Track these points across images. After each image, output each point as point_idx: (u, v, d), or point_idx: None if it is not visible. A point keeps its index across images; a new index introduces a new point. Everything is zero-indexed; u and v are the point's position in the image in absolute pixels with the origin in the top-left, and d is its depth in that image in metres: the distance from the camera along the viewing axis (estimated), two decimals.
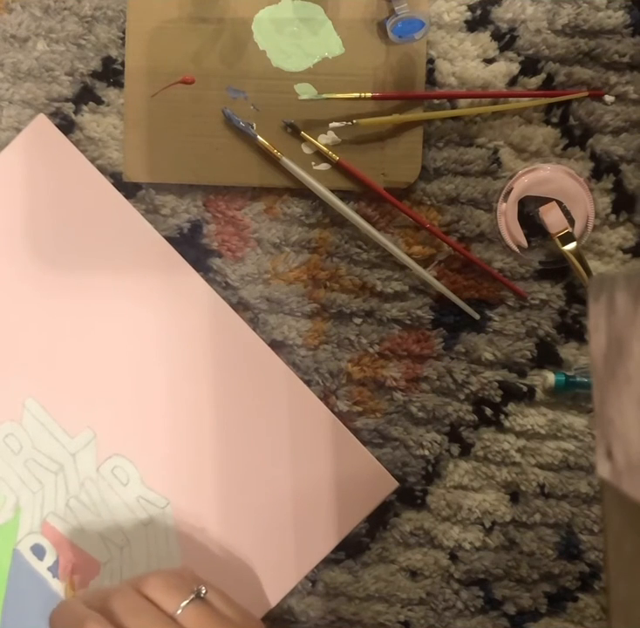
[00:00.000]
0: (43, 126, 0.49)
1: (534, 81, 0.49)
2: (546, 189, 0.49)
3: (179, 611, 0.39)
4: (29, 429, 0.49)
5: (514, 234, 0.49)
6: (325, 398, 0.51)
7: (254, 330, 0.50)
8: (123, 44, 0.49)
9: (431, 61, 0.49)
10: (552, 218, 0.49)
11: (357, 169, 0.49)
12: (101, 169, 0.50)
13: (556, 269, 0.50)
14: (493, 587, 0.51)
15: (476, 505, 0.51)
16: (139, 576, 0.41)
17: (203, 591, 0.41)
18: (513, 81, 0.49)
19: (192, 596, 0.40)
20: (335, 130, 0.49)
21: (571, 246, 0.49)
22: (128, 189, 0.50)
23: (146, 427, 0.49)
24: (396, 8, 0.46)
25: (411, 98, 0.49)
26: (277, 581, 0.49)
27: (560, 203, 0.49)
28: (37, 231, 0.50)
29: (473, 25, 0.49)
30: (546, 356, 0.50)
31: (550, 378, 0.50)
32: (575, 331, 0.50)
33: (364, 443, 0.50)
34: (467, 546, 0.51)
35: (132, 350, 0.50)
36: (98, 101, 0.50)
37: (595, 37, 0.49)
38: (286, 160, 0.48)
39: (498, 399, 0.51)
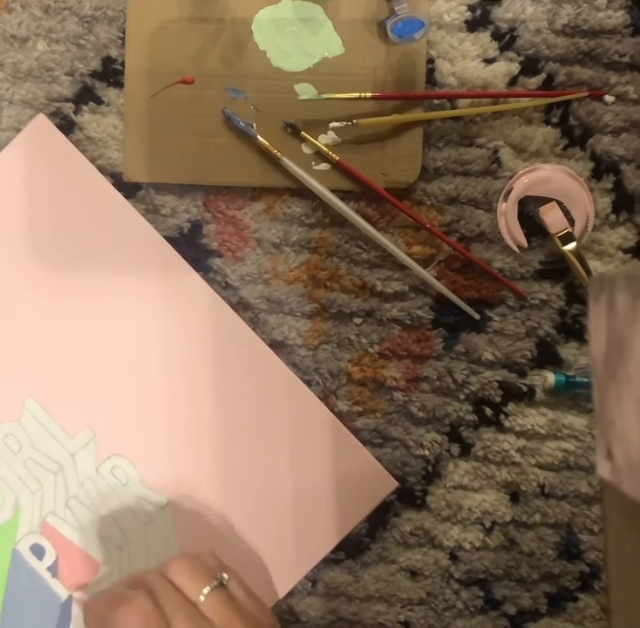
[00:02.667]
0: (42, 125, 0.49)
1: (534, 81, 0.49)
2: (546, 189, 0.49)
3: (202, 598, 0.40)
4: (28, 429, 0.49)
5: (514, 234, 0.49)
6: (325, 398, 0.51)
7: (254, 330, 0.50)
8: (123, 44, 0.49)
9: (431, 61, 0.49)
10: (552, 218, 0.49)
11: (357, 169, 0.49)
12: (101, 169, 0.50)
13: (556, 269, 0.50)
14: (493, 587, 0.51)
15: (476, 505, 0.51)
16: (164, 562, 0.42)
17: (226, 578, 0.42)
18: (513, 81, 0.49)
19: (215, 582, 0.41)
20: (335, 130, 0.49)
21: (571, 246, 0.49)
22: (128, 189, 0.50)
23: (145, 427, 0.49)
24: (396, 8, 0.46)
25: (411, 98, 0.49)
26: (277, 581, 0.49)
27: (560, 203, 0.49)
28: (36, 231, 0.50)
29: (473, 25, 0.49)
30: (546, 356, 0.50)
31: (550, 378, 0.50)
32: (575, 331, 0.50)
33: (364, 443, 0.50)
34: (467, 546, 0.51)
35: (132, 350, 0.50)
36: (98, 101, 0.50)
37: (595, 37, 0.49)
38: (286, 160, 0.48)
39: (498, 399, 0.51)
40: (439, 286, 0.49)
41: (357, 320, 0.50)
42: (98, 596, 0.42)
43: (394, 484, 0.50)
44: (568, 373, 0.50)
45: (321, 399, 0.50)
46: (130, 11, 0.49)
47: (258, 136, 0.48)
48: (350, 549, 0.51)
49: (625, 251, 0.50)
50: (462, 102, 0.49)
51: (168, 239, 0.50)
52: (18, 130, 0.50)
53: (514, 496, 0.51)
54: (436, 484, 0.51)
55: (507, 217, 0.49)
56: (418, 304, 0.50)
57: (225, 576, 0.42)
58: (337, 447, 0.49)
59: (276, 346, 0.50)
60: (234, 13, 0.49)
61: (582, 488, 0.51)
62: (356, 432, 0.50)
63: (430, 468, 0.51)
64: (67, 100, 0.50)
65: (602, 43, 0.49)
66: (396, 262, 0.50)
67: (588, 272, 0.49)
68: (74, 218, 0.49)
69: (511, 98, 0.49)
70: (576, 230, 0.49)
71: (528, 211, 0.50)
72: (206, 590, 0.40)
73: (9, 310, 0.50)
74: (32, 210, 0.50)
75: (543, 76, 0.49)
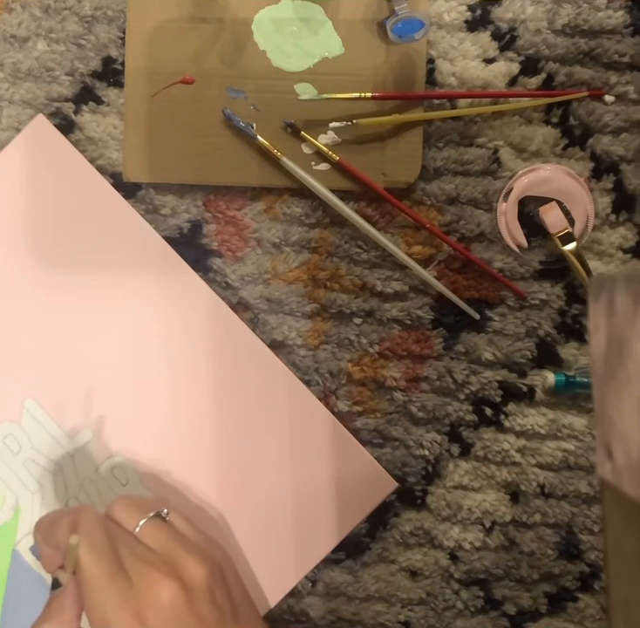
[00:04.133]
0: (42, 126, 0.49)
1: (534, 81, 0.49)
2: (546, 189, 0.49)
3: (137, 529, 0.40)
4: (28, 429, 0.49)
5: (514, 234, 0.49)
6: (325, 398, 0.50)
7: (254, 330, 0.50)
8: (123, 44, 0.49)
9: (431, 61, 0.49)
10: (552, 218, 0.49)
11: (357, 169, 0.49)
12: (101, 169, 0.50)
13: (556, 269, 0.50)
14: (493, 587, 0.51)
15: (476, 505, 0.51)
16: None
17: (165, 512, 0.42)
18: (513, 81, 0.49)
19: (151, 514, 0.41)
20: (335, 130, 0.49)
21: (571, 246, 0.49)
22: (128, 189, 0.50)
23: (145, 427, 0.49)
24: (396, 8, 0.46)
25: (411, 98, 0.49)
26: (277, 581, 0.49)
27: (560, 203, 0.49)
28: (36, 231, 0.50)
29: (473, 25, 0.49)
30: (546, 356, 0.50)
31: (550, 378, 0.50)
32: (575, 331, 0.50)
33: (364, 443, 0.50)
34: (467, 546, 0.51)
35: (131, 350, 0.50)
36: (98, 101, 0.50)
37: (595, 37, 0.49)
38: (286, 160, 0.48)
39: (498, 399, 0.51)
40: (439, 286, 0.49)
41: (357, 320, 0.50)
42: (44, 517, 0.43)
43: (394, 485, 0.50)
44: (568, 373, 0.50)
45: (321, 400, 0.50)
46: (130, 11, 0.49)
47: (258, 136, 0.48)
48: (350, 549, 0.51)
49: (625, 251, 0.50)
50: (462, 102, 0.49)
51: (168, 239, 0.50)
52: (18, 130, 0.50)
53: (514, 496, 0.51)
54: (436, 484, 0.51)
55: (507, 217, 0.49)
56: (418, 304, 0.50)
57: (164, 510, 0.42)
58: (336, 448, 0.49)
59: (276, 346, 0.50)
60: (235, 13, 0.49)
61: (582, 488, 0.51)
62: (356, 432, 0.50)
63: (430, 468, 0.51)
64: (67, 100, 0.50)
65: (602, 43, 0.49)
66: (396, 262, 0.50)
67: (588, 272, 0.49)
68: (73, 218, 0.49)
69: (511, 98, 0.49)
70: (576, 230, 0.49)
71: (528, 211, 0.50)
72: (142, 522, 0.41)
73: (8, 310, 0.50)
74: (31, 210, 0.49)
75: (543, 76, 0.49)
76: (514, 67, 0.49)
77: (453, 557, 0.51)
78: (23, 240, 0.49)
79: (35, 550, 0.49)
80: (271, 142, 0.48)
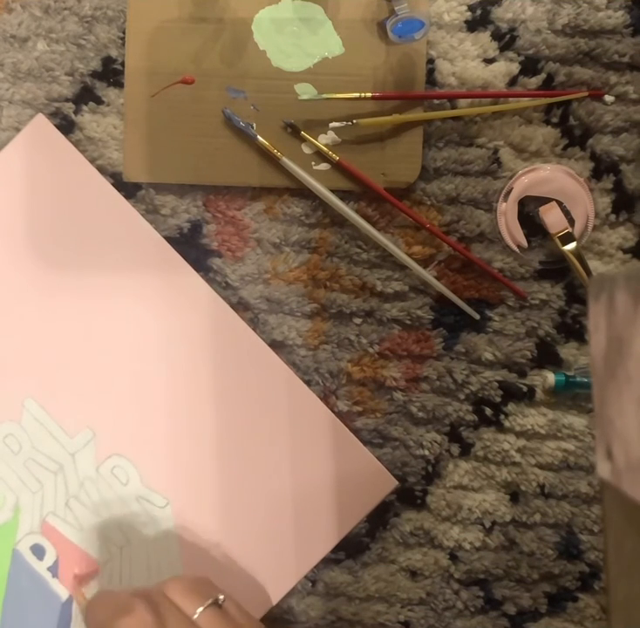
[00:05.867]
0: (41, 126, 0.49)
1: (534, 81, 0.49)
2: (546, 189, 0.49)
3: (196, 616, 0.40)
4: (28, 429, 0.49)
5: (514, 234, 0.49)
6: (325, 398, 0.51)
7: (254, 330, 0.50)
8: (123, 44, 0.49)
9: (431, 61, 0.49)
10: (552, 218, 0.49)
11: (357, 169, 0.49)
12: (101, 169, 0.50)
13: (556, 269, 0.50)
14: (493, 587, 0.51)
15: (476, 505, 0.51)
16: (162, 581, 0.43)
17: (221, 599, 0.42)
18: (513, 81, 0.49)
19: (210, 600, 0.41)
20: (335, 130, 0.49)
21: (571, 246, 0.49)
22: (128, 189, 0.50)
23: (145, 427, 0.49)
24: (396, 8, 0.46)
25: (411, 98, 0.49)
26: (277, 581, 0.49)
27: (560, 203, 0.49)
28: (35, 231, 0.50)
29: (473, 25, 0.49)
30: (546, 356, 0.51)
31: (550, 378, 0.50)
32: (575, 331, 0.50)
33: (364, 443, 0.50)
34: (467, 546, 0.51)
35: (132, 350, 0.50)
36: (98, 101, 0.50)
37: (595, 37, 0.49)
38: (286, 160, 0.48)
39: (498, 399, 0.51)
40: (439, 286, 0.50)
41: (357, 320, 0.51)
42: (100, 598, 0.43)
43: (394, 483, 0.50)
44: (568, 373, 0.50)
45: (321, 399, 0.50)
46: (130, 11, 0.49)
47: (258, 136, 0.49)
48: (350, 549, 0.51)
49: (625, 251, 0.50)
50: (462, 102, 0.49)
51: (168, 239, 0.50)
52: (18, 130, 0.50)
53: (514, 496, 0.51)
54: (436, 484, 0.51)
55: (507, 217, 0.49)
56: (418, 304, 0.50)
57: (220, 597, 0.42)
58: (336, 447, 0.49)
59: (276, 346, 0.50)
60: (234, 13, 0.49)
61: (582, 488, 0.51)
62: (356, 432, 0.50)
63: (430, 468, 0.51)
64: (67, 100, 0.50)
65: (602, 43, 0.49)
66: (396, 262, 0.50)
67: (588, 272, 0.49)
68: (74, 218, 0.49)
69: (511, 98, 0.49)
70: (576, 230, 0.49)
71: (528, 211, 0.50)
72: (200, 609, 0.41)
73: (8, 309, 0.50)
74: (32, 210, 0.50)
75: (543, 76, 0.49)
76: (514, 67, 0.49)
77: (453, 557, 0.51)
78: (23, 240, 0.49)
79: (36, 550, 0.49)
80: (271, 142, 0.48)
